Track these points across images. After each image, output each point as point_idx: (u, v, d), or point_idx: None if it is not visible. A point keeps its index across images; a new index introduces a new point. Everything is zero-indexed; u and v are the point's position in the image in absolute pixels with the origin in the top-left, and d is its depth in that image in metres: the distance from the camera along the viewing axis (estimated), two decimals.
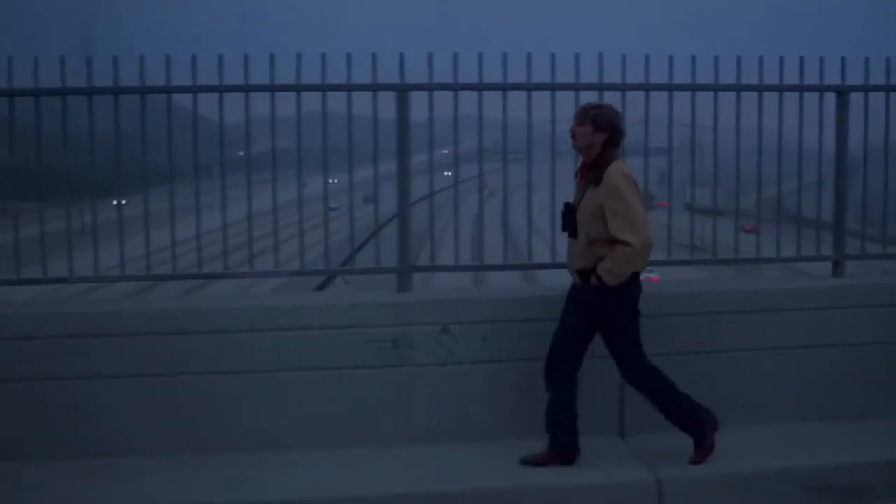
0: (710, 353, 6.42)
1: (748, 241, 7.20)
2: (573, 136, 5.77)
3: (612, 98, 6.49)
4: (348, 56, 6.46)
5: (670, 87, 6.68)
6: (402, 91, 6.41)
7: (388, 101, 6.45)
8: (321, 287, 21.78)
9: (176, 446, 5.96)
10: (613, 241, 5.56)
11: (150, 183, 6.55)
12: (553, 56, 6.45)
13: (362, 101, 6.41)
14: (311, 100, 6.36)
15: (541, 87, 6.49)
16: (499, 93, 6.47)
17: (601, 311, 5.72)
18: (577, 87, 6.48)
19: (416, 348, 6.13)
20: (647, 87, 6.65)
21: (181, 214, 6.47)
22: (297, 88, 6.38)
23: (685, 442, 5.83)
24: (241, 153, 6.54)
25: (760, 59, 6.77)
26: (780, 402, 6.52)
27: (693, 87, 6.71)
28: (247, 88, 6.30)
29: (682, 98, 6.68)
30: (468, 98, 6.45)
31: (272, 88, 6.31)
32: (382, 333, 6.13)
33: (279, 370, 6.08)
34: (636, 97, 6.59)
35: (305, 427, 6.08)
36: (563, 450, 5.83)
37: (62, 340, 5.89)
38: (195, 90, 6.28)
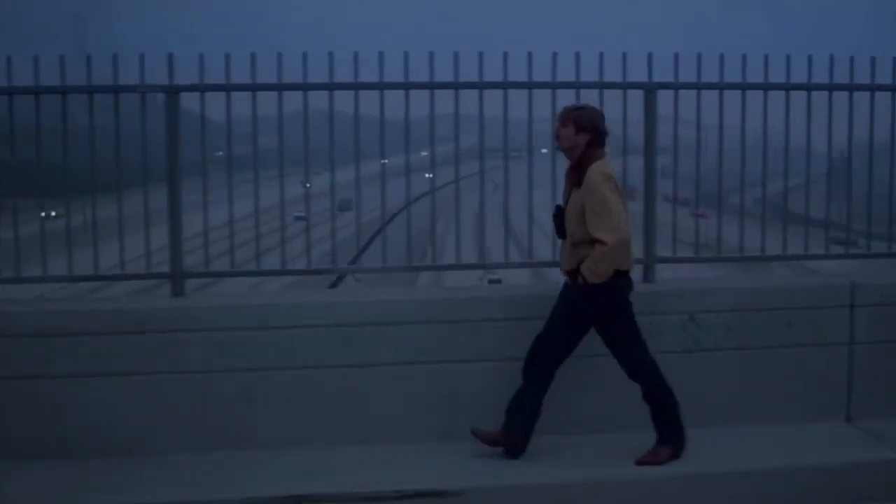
0: None
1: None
2: (557, 138, 5.80)
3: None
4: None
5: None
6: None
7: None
8: (333, 285, 21.83)
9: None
10: (594, 242, 5.59)
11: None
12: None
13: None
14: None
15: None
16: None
17: (590, 309, 5.74)
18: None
19: (663, 336, 6.28)
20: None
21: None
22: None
23: None
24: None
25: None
26: None
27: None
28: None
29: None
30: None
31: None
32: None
33: (503, 359, 6.14)
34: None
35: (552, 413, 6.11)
36: (512, 441, 5.88)
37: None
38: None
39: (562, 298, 5.93)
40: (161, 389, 6.02)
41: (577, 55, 6.52)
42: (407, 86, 6.51)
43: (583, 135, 5.69)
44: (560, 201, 5.95)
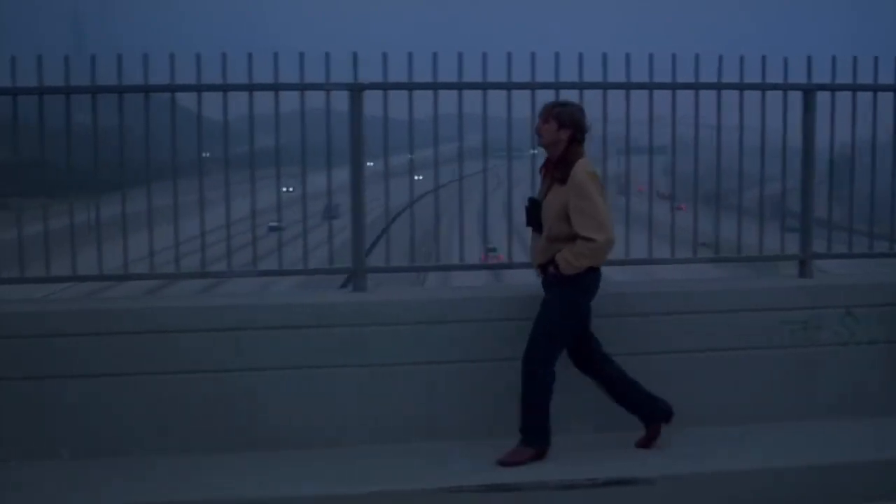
0: None
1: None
2: (538, 134, 5.87)
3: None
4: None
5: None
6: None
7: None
8: (344, 284, 21.96)
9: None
10: (574, 239, 5.67)
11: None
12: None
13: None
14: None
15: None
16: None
17: (554, 292, 5.81)
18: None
19: (823, 329, 6.57)
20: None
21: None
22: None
23: None
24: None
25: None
26: None
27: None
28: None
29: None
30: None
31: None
32: (795, 316, 6.56)
33: (695, 351, 6.39)
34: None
35: (708, 403, 6.31)
36: (659, 425, 6.07)
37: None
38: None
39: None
40: (340, 383, 6.14)
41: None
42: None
43: (564, 131, 5.78)
44: (528, 197, 6.03)
